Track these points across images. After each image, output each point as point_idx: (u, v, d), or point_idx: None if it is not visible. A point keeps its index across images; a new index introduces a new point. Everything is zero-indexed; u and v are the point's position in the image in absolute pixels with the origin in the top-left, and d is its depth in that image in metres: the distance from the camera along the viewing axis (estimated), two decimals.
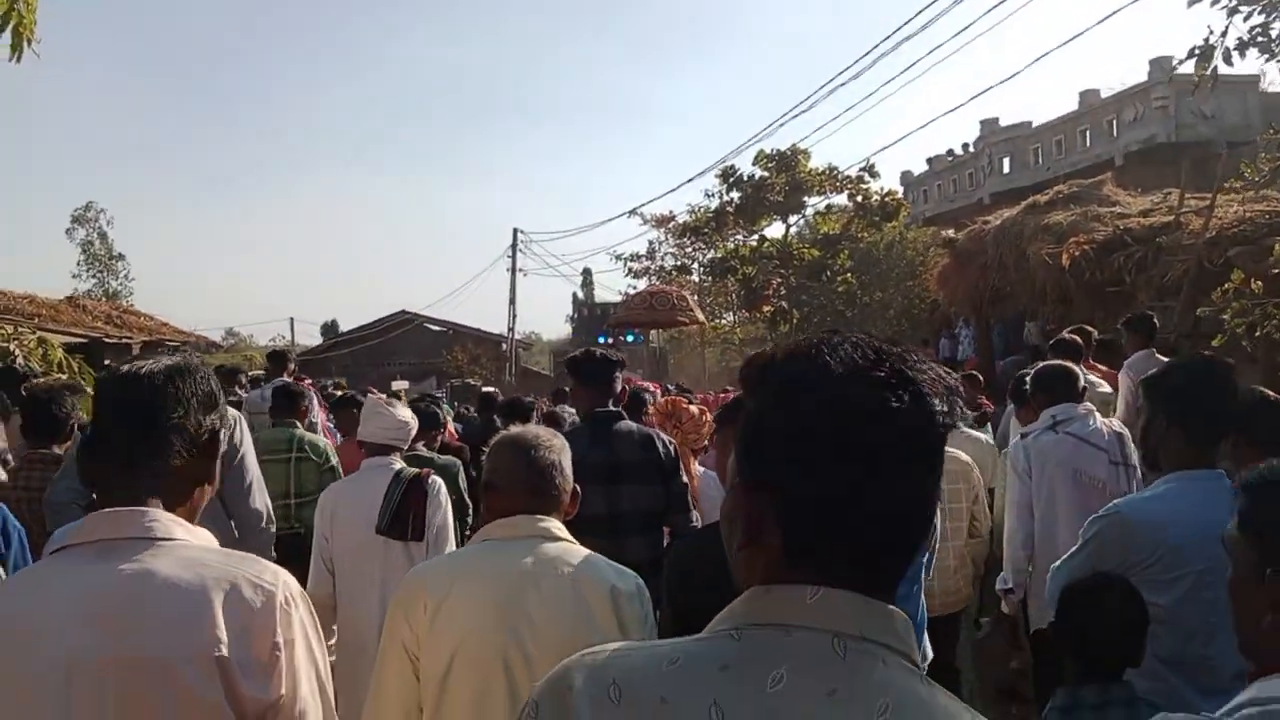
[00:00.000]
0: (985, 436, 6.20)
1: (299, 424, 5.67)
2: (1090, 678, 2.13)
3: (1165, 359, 6.33)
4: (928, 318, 24.50)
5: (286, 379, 7.77)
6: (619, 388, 3.91)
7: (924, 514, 0.92)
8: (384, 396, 4.42)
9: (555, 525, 1.96)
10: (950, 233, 16.92)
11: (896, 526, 0.90)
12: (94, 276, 51.05)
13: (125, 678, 1.33)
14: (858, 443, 0.87)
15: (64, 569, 1.40)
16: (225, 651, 1.34)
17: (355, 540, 3.41)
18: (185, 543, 1.44)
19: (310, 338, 50.47)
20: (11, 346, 8.38)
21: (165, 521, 1.44)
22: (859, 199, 22.50)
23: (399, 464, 3.64)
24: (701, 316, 18.88)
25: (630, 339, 19.66)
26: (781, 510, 0.89)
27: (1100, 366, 6.72)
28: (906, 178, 37.95)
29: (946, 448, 0.94)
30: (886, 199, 22.42)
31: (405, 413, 3.86)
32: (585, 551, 1.95)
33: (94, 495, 1.53)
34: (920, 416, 0.89)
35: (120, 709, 1.32)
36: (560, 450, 2.07)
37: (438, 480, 3.61)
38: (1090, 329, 7.40)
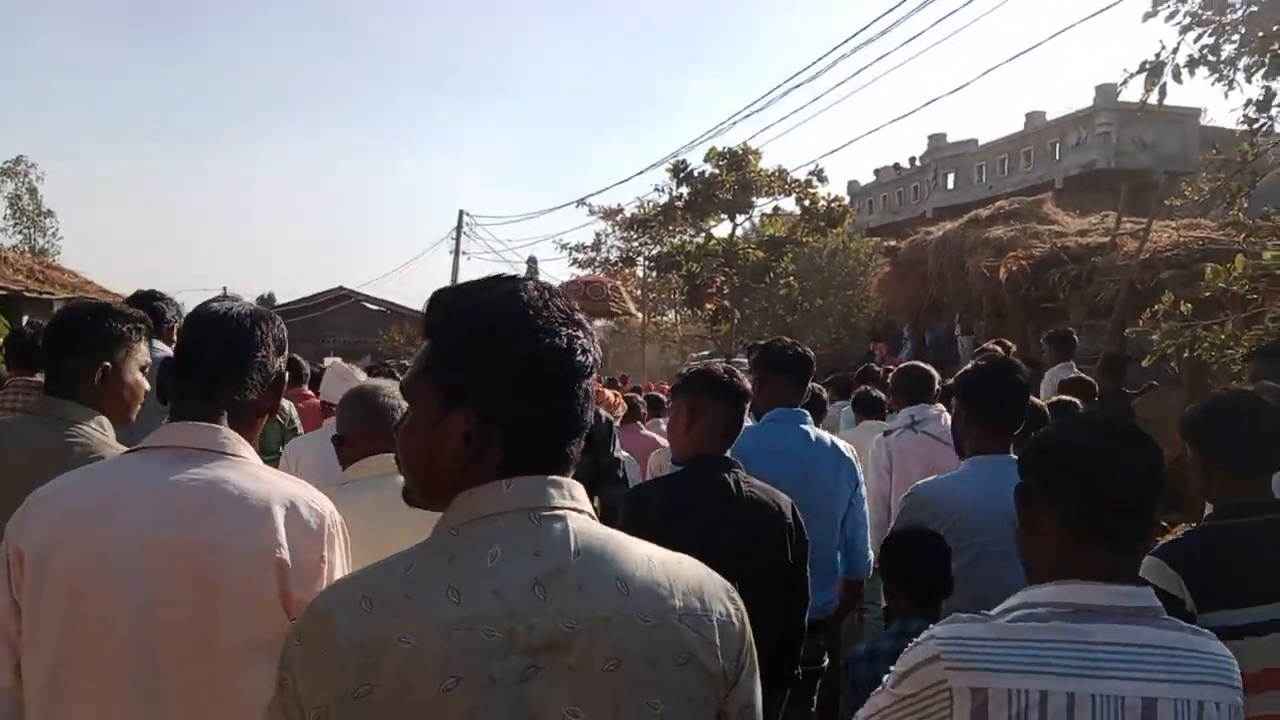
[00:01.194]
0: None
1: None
2: (917, 610, 2.41)
3: (1080, 373, 6.52)
4: (867, 327, 24.86)
5: None
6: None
7: (573, 416, 1.15)
8: (342, 362, 4.77)
9: None
10: (893, 242, 17.11)
11: (555, 427, 1.14)
12: (20, 232, 49.31)
13: (198, 558, 1.51)
14: (516, 375, 1.11)
15: (143, 464, 1.60)
16: (285, 556, 1.53)
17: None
18: (250, 461, 1.64)
19: None
20: None
21: (234, 440, 1.63)
22: (806, 203, 22.54)
23: None
24: (634, 309, 19.01)
25: None
26: (498, 434, 1.10)
27: None
28: (853, 187, 38.41)
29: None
30: (833, 205, 22.53)
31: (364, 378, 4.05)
32: None
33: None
34: (553, 350, 1.11)
35: (189, 584, 1.50)
36: (397, 396, 2.21)
37: None
38: (1009, 343, 7.65)
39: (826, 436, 3.42)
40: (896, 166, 36.31)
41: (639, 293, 33.23)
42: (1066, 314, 11.69)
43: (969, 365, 3.12)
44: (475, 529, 1.09)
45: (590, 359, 1.16)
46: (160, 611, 1.51)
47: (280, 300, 41.26)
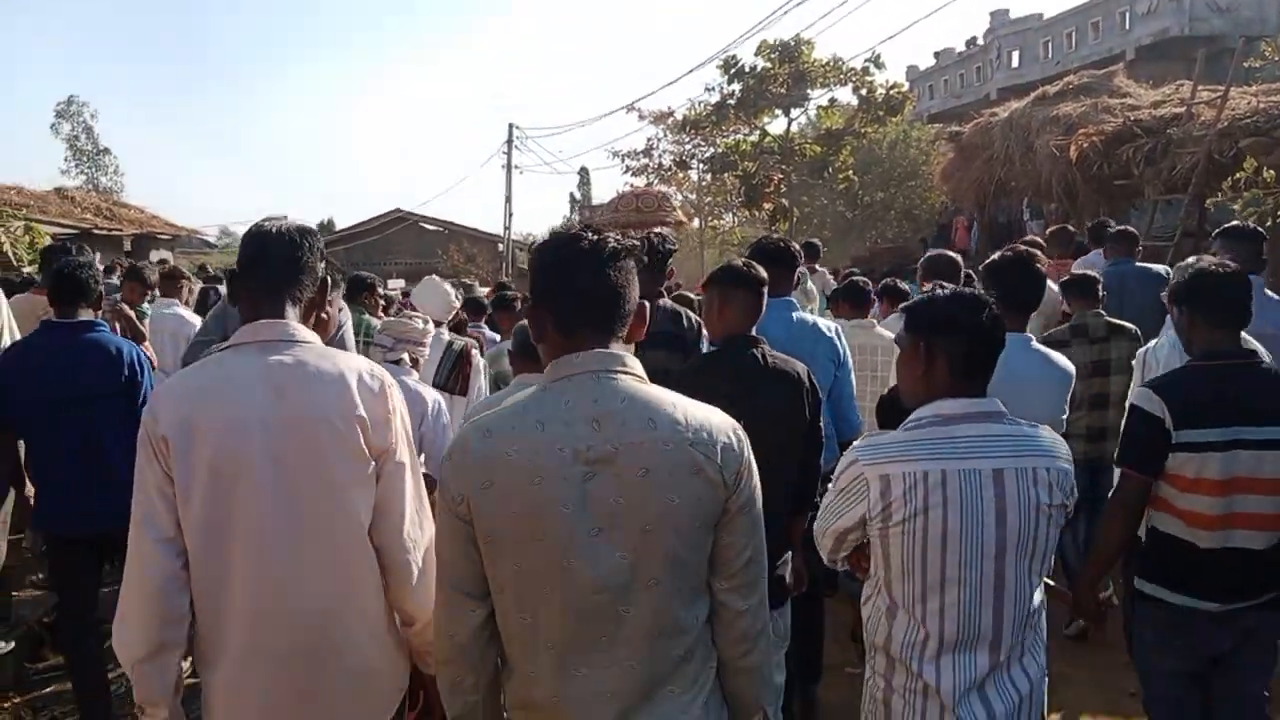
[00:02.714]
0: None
1: (365, 310, 6.15)
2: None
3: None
4: (930, 219, 24.19)
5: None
6: (670, 271, 4.64)
7: (620, 300, 1.68)
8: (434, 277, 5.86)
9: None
10: (956, 127, 16.50)
11: (608, 309, 1.66)
12: (83, 172, 50.25)
13: (303, 427, 1.97)
14: (570, 273, 1.66)
15: (241, 358, 1.99)
16: (363, 413, 2.00)
17: None
18: (316, 344, 2.05)
19: None
20: None
21: (301, 329, 2.04)
22: (863, 92, 21.71)
23: (448, 336, 4.95)
24: (683, 217, 18.98)
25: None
26: (552, 316, 1.68)
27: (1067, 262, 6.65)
28: (912, 73, 37.02)
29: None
30: (891, 92, 21.63)
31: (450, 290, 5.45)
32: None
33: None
34: (593, 250, 1.65)
35: (300, 444, 1.96)
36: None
37: (478, 354, 4.96)
38: (1072, 229, 7.41)
39: (809, 319, 3.92)
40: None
41: (694, 197, 32.80)
42: (1141, 190, 11.22)
43: (995, 257, 3.42)
44: (558, 385, 1.64)
45: (605, 248, 1.66)
46: (284, 463, 1.96)
47: (340, 225, 41.69)
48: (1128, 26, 27.76)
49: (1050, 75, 21.04)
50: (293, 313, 2.05)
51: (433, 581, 1.91)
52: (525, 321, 3.43)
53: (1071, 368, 3.32)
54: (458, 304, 5.32)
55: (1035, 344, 3.29)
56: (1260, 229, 4.71)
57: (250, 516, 1.96)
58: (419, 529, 2.12)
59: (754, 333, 3.14)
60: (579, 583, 1.60)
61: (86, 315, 3.80)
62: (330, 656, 2.03)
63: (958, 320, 2.17)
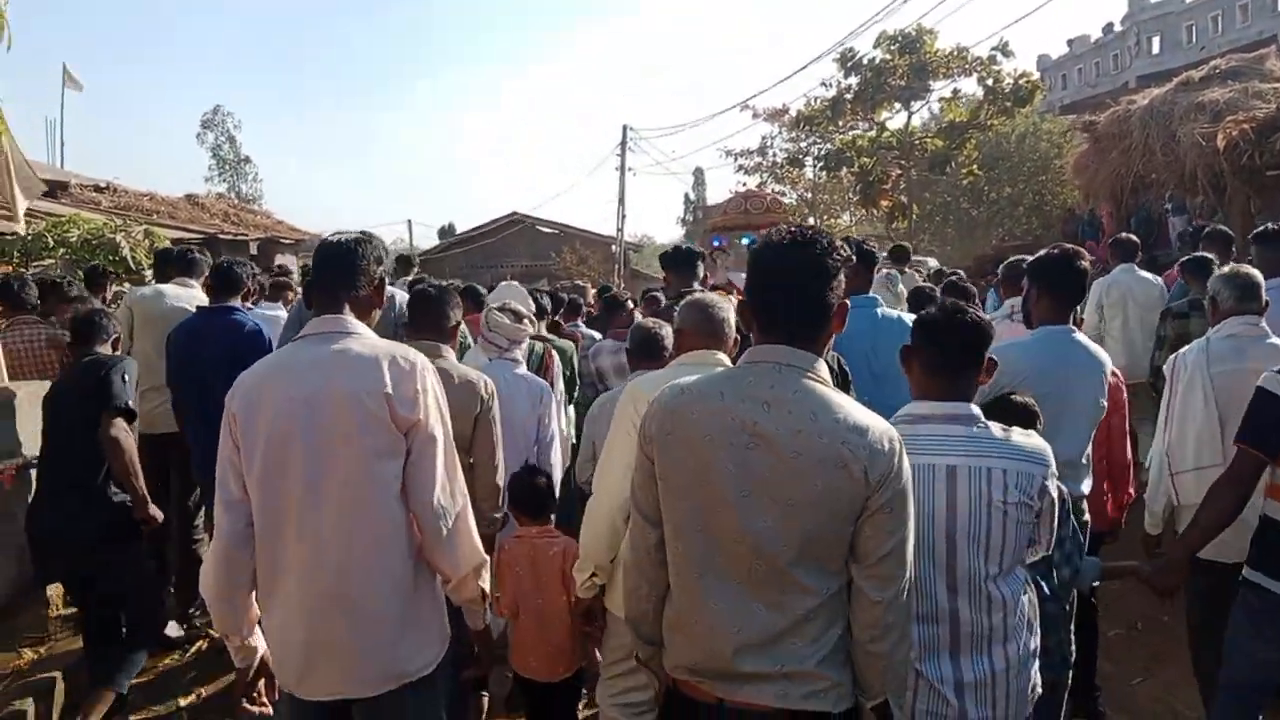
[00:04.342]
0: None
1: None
2: None
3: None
4: (1063, 215, 22.85)
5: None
6: (701, 274, 5.20)
7: (823, 305, 1.90)
8: (508, 281, 6.15)
9: (725, 358, 2.91)
10: (1091, 116, 15.46)
11: (806, 310, 1.90)
12: (224, 180, 52.98)
13: (338, 401, 2.27)
14: (775, 274, 1.93)
15: (301, 347, 2.38)
16: (390, 390, 2.28)
17: None
18: (365, 335, 2.40)
19: (428, 240, 51.27)
20: (119, 238, 8.55)
21: (353, 323, 2.40)
22: (990, 82, 20.57)
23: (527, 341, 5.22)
24: (794, 217, 18.79)
25: (746, 241, 19.11)
26: (756, 313, 1.96)
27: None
28: (1043, 62, 35.30)
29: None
30: (1020, 81, 20.42)
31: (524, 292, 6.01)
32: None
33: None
34: (807, 256, 1.88)
35: (338, 415, 2.27)
36: (727, 309, 3.02)
37: (556, 357, 5.39)
38: (1227, 231, 7.17)
39: (894, 314, 4.12)
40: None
41: (809, 195, 32.11)
42: None
43: (1041, 255, 3.57)
44: (745, 368, 1.94)
45: (797, 264, 1.89)
46: (323, 433, 2.27)
47: (460, 229, 42.64)
48: (1279, 8, 25.77)
49: (1194, 61, 19.58)
50: (350, 309, 2.41)
51: (465, 544, 2.40)
52: (644, 320, 3.95)
53: (1107, 357, 3.46)
54: (533, 307, 5.55)
55: (1077, 334, 3.42)
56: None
57: (295, 480, 2.27)
58: (449, 496, 2.38)
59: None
60: (725, 528, 1.88)
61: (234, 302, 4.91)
62: (353, 605, 2.29)
63: (929, 332, 2.42)
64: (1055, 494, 2.36)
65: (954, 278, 6.73)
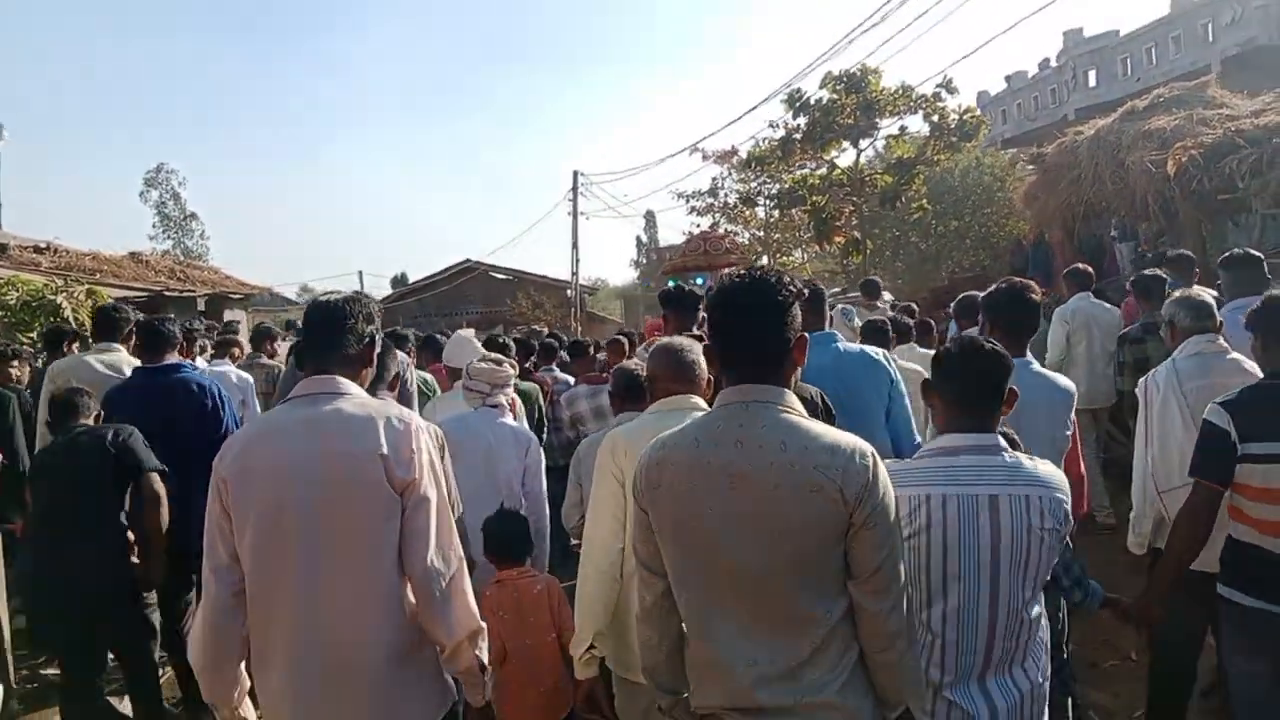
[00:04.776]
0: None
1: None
2: None
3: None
4: (1010, 246, 23.13)
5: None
6: (699, 317, 5.08)
7: (780, 339, 1.99)
8: (463, 331, 5.73)
9: (699, 400, 2.96)
10: (1040, 147, 15.67)
11: (763, 346, 2.00)
12: (169, 237, 52.10)
13: (334, 460, 2.24)
14: (733, 315, 2.02)
15: (292, 409, 2.34)
16: (385, 451, 2.25)
17: None
18: (356, 395, 2.37)
19: (380, 290, 50.89)
20: (60, 299, 8.20)
21: (344, 383, 2.37)
22: (935, 118, 20.86)
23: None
24: (749, 257, 18.93)
25: (700, 282, 19.09)
26: (718, 354, 2.06)
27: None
28: (983, 99, 36.13)
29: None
30: (965, 117, 20.73)
31: (478, 344, 5.34)
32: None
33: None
34: (760, 293, 1.99)
35: (332, 477, 2.23)
36: (697, 351, 3.01)
37: (519, 400, 5.17)
38: (1190, 254, 7.43)
39: (854, 346, 4.04)
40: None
41: (761, 234, 32.28)
42: (1248, 204, 10.39)
43: (994, 288, 3.73)
44: (717, 411, 2.01)
45: (750, 303, 1.98)
46: (318, 496, 2.23)
47: (413, 278, 42.24)
48: (1211, 38, 26.63)
49: (1132, 92, 20.06)
50: (341, 370, 2.40)
51: (459, 608, 2.33)
52: (625, 364, 4.12)
53: (1072, 386, 3.54)
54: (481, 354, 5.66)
55: (1035, 366, 3.54)
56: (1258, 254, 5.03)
57: (290, 548, 2.24)
58: (443, 559, 2.32)
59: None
60: (720, 568, 1.94)
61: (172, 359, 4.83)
62: (350, 674, 2.26)
63: (949, 366, 2.48)
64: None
65: (905, 310, 7.16)
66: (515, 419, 4.85)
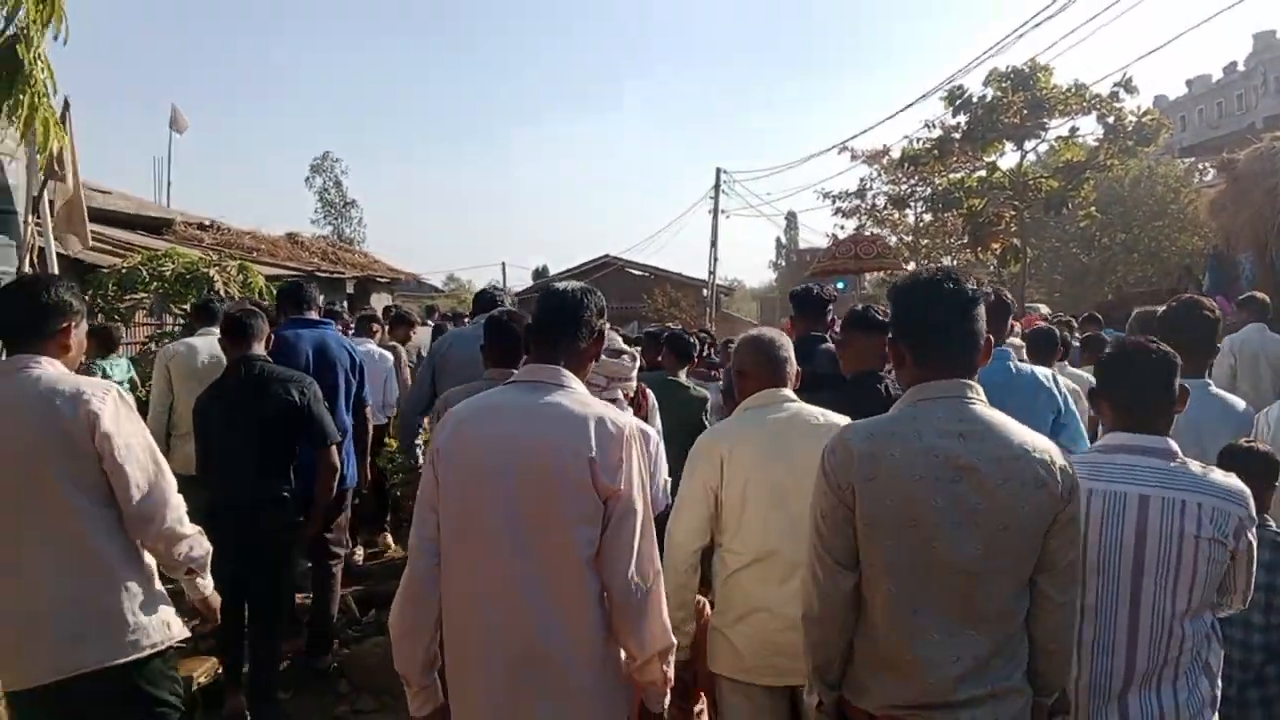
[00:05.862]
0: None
1: None
2: None
3: None
4: (1180, 261, 21.47)
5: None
6: (830, 318, 5.15)
7: (975, 339, 2.06)
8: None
9: (790, 394, 2.99)
10: (1230, 154, 14.34)
11: (964, 347, 2.06)
12: (329, 223, 54.53)
13: (541, 451, 2.23)
14: (932, 313, 2.07)
15: (511, 391, 2.36)
16: (595, 455, 2.21)
17: None
18: (578, 390, 2.35)
19: (522, 281, 52.08)
20: (213, 273, 8.41)
21: (568, 376, 2.35)
22: (1110, 120, 19.37)
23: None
24: (900, 263, 18.23)
25: (840, 286, 18.40)
26: (911, 350, 2.10)
27: None
28: (1160, 103, 33.81)
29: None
30: (1144, 119, 19.17)
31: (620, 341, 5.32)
32: (810, 406, 2.98)
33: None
34: (958, 293, 2.04)
35: (537, 466, 2.22)
36: (788, 347, 3.05)
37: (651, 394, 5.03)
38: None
39: (1028, 368, 4.00)
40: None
41: (910, 239, 31.13)
42: None
43: (1170, 304, 3.67)
44: (925, 404, 2.05)
45: (955, 297, 2.06)
46: (525, 479, 2.20)
47: (553, 271, 42.86)
48: None
49: None
50: (567, 361, 2.37)
51: (654, 624, 2.25)
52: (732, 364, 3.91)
53: (1248, 409, 3.45)
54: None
55: (1213, 389, 3.44)
56: None
57: (482, 528, 2.24)
58: (641, 575, 2.23)
59: (882, 371, 3.76)
60: (942, 563, 1.95)
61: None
62: (541, 672, 2.21)
63: (1115, 369, 2.46)
64: (1253, 543, 2.31)
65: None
66: (646, 415, 4.74)
